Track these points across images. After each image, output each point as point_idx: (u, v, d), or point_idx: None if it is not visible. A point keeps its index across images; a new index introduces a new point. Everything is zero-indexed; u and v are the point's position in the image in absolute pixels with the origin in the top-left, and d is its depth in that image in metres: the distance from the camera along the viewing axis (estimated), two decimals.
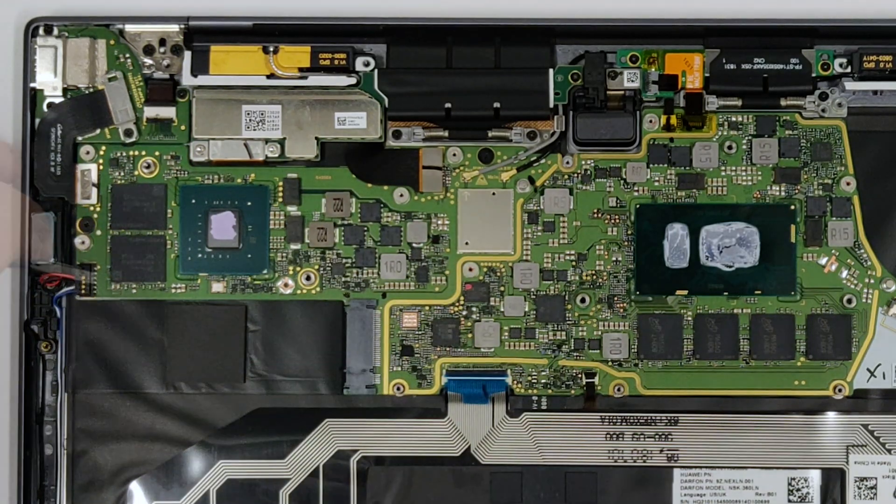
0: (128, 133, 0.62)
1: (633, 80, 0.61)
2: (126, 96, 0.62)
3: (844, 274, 0.61)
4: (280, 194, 0.62)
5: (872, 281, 0.61)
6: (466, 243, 0.62)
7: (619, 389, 0.61)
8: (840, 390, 0.61)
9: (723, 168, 0.62)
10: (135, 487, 0.61)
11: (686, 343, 0.61)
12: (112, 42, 0.62)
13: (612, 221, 0.62)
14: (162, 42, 0.62)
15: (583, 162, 0.62)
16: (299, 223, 0.62)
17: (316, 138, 0.62)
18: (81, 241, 0.61)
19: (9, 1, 0.63)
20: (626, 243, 0.62)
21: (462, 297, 0.62)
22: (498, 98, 0.61)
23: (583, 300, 0.62)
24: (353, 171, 0.62)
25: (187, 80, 0.61)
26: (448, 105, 0.61)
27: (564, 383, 0.62)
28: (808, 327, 0.61)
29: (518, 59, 0.61)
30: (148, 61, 0.62)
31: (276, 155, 0.62)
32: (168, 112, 0.62)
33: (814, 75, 0.61)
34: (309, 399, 0.61)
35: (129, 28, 0.62)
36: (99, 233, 0.62)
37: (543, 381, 0.62)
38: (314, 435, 0.61)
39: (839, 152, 0.62)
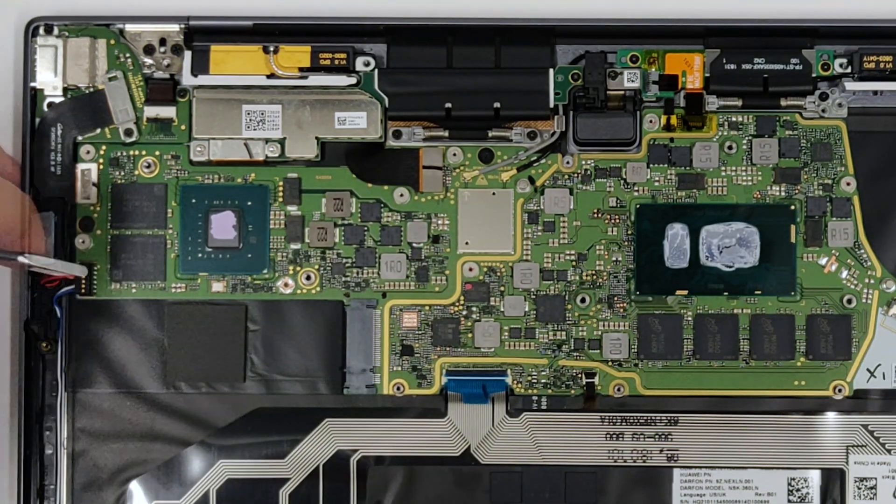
0: (128, 133, 0.62)
1: (633, 80, 0.61)
2: (126, 96, 0.62)
3: (844, 274, 0.62)
4: (280, 194, 0.62)
5: (872, 281, 0.62)
6: (466, 243, 0.62)
7: (619, 389, 0.61)
8: (840, 390, 0.61)
9: (723, 168, 0.62)
10: (135, 487, 0.61)
11: (686, 343, 0.61)
12: (112, 42, 0.62)
13: (612, 221, 0.62)
14: (162, 42, 0.62)
15: (583, 162, 0.62)
16: (299, 223, 0.62)
17: (316, 138, 0.62)
18: (81, 241, 0.61)
19: (9, 1, 0.63)
20: (626, 243, 0.62)
21: (462, 297, 0.62)
22: (498, 98, 0.61)
23: (583, 300, 0.62)
24: (354, 171, 0.62)
25: (187, 79, 0.61)
26: (448, 105, 0.61)
27: (564, 383, 0.62)
28: (808, 327, 0.61)
29: (518, 59, 0.61)
30: (148, 61, 0.62)
31: (277, 155, 0.62)
32: (168, 112, 0.62)
33: (814, 75, 0.61)
34: (309, 399, 0.61)
35: (130, 28, 0.62)
36: (99, 232, 0.62)
37: (543, 381, 0.62)
38: (314, 435, 0.61)
39: (839, 152, 0.62)
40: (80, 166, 0.62)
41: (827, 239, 0.61)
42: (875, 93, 0.61)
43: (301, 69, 0.61)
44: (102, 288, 0.61)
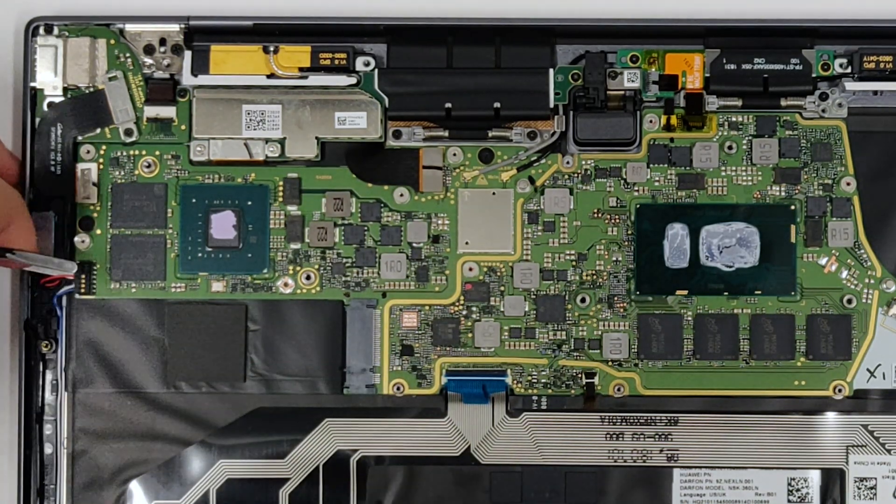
0: (128, 132, 0.62)
1: (633, 80, 0.61)
2: (126, 96, 0.62)
3: (844, 274, 0.61)
4: (280, 194, 0.62)
5: (872, 281, 0.61)
6: (466, 243, 0.62)
7: (619, 389, 0.61)
8: (840, 390, 0.61)
9: (723, 168, 0.62)
10: (135, 487, 0.61)
11: (686, 343, 0.61)
12: (112, 42, 0.62)
13: (612, 221, 0.62)
14: (162, 42, 0.62)
15: (583, 162, 0.62)
16: (299, 223, 0.62)
17: (316, 138, 0.62)
18: (81, 240, 0.61)
19: (9, 1, 0.63)
20: (626, 243, 0.62)
21: (462, 297, 0.62)
22: (498, 98, 0.61)
23: (583, 300, 0.62)
24: (354, 171, 0.62)
25: (187, 79, 0.61)
26: (448, 105, 0.61)
27: (564, 383, 0.62)
28: (808, 327, 0.61)
29: (518, 59, 0.61)
30: (148, 61, 0.62)
31: (277, 155, 0.62)
32: (168, 112, 0.62)
33: (814, 75, 0.61)
34: (309, 399, 0.61)
35: (130, 28, 0.62)
36: (99, 232, 0.62)
37: (543, 381, 0.62)
38: (314, 435, 0.61)
39: (839, 152, 0.62)
40: (80, 166, 0.62)
41: (827, 239, 0.61)
42: (875, 93, 0.61)
43: (301, 69, 0.61)
44: (102, 287, 0.61)
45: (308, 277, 0.62)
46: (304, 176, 0.62)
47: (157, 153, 0.62)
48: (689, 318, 0.61)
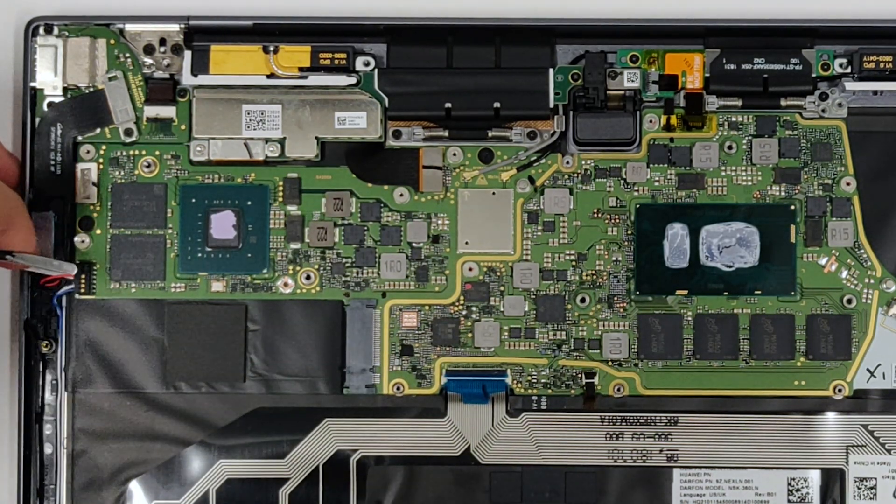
0: (128, 132, 0.62)
1: (633, 80, 0.61)
2: (126, 96, 0.62)
3: (844, 274, 0.61)
4: (280, 194, 0.62)
5: (872, 281, 0.61)
6: (466, 243, 0.62)
7: (619, 389, 0.61)
8: (840, 390, 0.61)
9: (723, 168, 0.62)
10: (134, 487, 0.61)
11: (686, 343, 0.61)
12: (112, 41, 0.62)
13: (612, 221, 0.62)
14: (162, 41, 0.62)
15: (583, 162, 0.62)
16: (299, 223, 0.62)
17: (316, 138, 0.62)
18: (81, 240, 0.61)
19: (9, 1, 0.63)
20: (626, 243, 0.62)
21: (462, 297, 0.62)
22: (498, 98, 0.61)
23: (583, 300, 0.62)
24: (354, 171, 0.62)
25: (187, 79, 0.61)
26: (448, 105, 0.61)
27: (564, 383, 0.62)
28: (808, 327, 0.61)
29: (518, 59, 0.61)
30: (148, 61, 0.62)
31: (277, 154, 0.62)
32: (168, 111, 0.62)
33: (814, 75, 0.61)
34: (309, 399, 0.61)
35: (130, 27, 0.62)
36: (99, 232, 0.62)
37: (543, 381, 0.62)
38: (314, 435, 0.61)
39: (839, 152, 0.62)
40: (80, 166, 0.62)
41: (827, 239, 0.61)
42: (875, 93, 0.61)
43: (301, 69, 0.61)
44: (102, 287, 0.61)
45: (308, 277, 0.62)
46: (304, 176, 0.62)
47: (157, 153, 0.62)
48: (689, 318, 0.61)
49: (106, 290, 0.61)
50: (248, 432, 0.61)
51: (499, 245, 0.62)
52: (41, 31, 0.62)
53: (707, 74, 0.61)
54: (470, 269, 0.62)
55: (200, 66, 0.61)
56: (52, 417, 0.61)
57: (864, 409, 0.61)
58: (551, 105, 0.61)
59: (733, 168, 0.62)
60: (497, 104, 0.61)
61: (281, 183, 0.62)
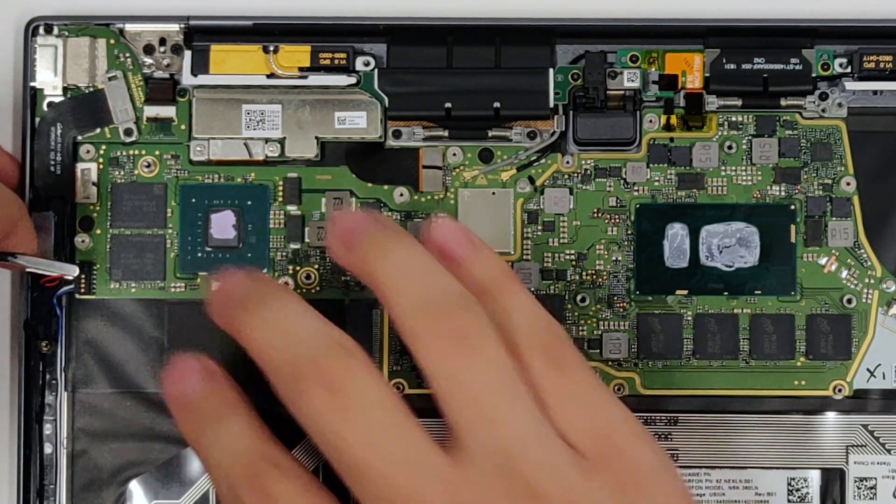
0: (128, 132, 0.62)
1: (633, 80, 0.61)
2: (126, 96, 0.62)
3: (844, 274, 0.61)
4: (280, 194, 0.62)
5: (872, 281, 0.61)
6: None
7: (618, 389, 0.61)
8: (840, 390, 0.61)
9: (723, 168, 0.62)
10: (134, 487, 0.61)
11: (686, 343, 0.61)
12: (112, 41, 0.62)
13: (612, 221, 0.62)
14: (162, 41, 0.62)
15: (583, 162, 0.62)
16: (299, 222, 0.62)
17: (316, 138, 0.62)
18: (81, 240, 0.61)
19: (9, 1, 0.63)
20: (626, 243, 0.62)
21: None
22: (498, 98, 0.61)
23: (583, 300, 0.62)
24: (353, 171, 0.62)
25: (187, 79, 0.61)
26: (448, 105, 0.61)
27: None
28: (808, 327, 0.61)
29: (518, 59, 0.61)
30: (148, 61, 0.62)
31: (276, 154, 0.62)
32: (168, 111, 0.62)
33: (814, 75, 0.61)
34: None
35: (129, 27, 0.62)
36: (99, 232, 0.62)
37: None
38: None
39: (839, 152, 0.62)
40: (80, 166, 0.62)
41: (827, 239, 0.61)
42: (875, 93, 0.61)
43: (301, 69, 0.61)
44: (102, 287, 0.61)
45: (308, 277, 0.62)
46: (304, 176, 0.62)
47: (157, 153, 0.62)
48: (689, 318, 0.61)
49: (106, 290, 0.61)
50: None
51: (499, 245, 0.62)
52: (41, 30, 0.61)
53: (707, 74, 0.61)
54: None
55: (200, 66, 0.61)
56: (51, 417, 0.61)
57: (864, 409, 0.61)
58: (551, 105, 0.61)
59: (733, 168, 0.62)
60: (497, 104, 0.61)
61: (281, 183, 0.62)
